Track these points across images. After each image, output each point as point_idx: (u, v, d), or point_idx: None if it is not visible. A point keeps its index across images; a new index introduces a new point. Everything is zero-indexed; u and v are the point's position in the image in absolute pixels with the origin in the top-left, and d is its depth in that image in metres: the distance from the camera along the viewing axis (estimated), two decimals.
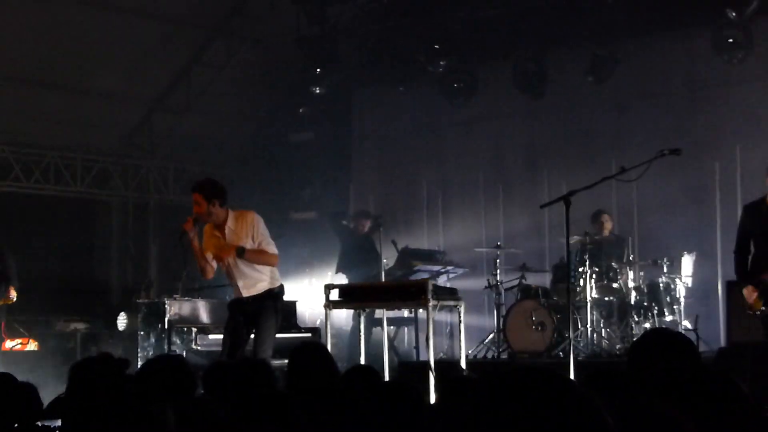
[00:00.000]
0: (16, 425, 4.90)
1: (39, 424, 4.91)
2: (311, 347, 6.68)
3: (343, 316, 13.93)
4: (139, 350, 11.28)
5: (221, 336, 9.53)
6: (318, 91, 16.18)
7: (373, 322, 12.62)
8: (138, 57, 15.96)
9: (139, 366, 6.79)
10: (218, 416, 4.45)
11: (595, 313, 12.37)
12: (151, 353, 10.91)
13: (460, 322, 9.43)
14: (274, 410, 4.03)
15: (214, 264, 9.32)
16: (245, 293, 9.27)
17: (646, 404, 3.55)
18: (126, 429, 3.49)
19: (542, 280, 13.59)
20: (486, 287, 13.29)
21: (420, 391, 4.72)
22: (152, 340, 11.23)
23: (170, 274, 15.35)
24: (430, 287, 8.88)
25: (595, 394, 2.20)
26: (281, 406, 4.05)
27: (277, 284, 9.32)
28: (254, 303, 9.22)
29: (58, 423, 4.80)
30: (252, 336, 9.17)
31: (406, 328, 14.73)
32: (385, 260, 13.30)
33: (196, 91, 16.80)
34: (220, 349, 9.46)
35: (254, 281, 9.26)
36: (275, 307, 9.23)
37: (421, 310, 12.23)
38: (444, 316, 13.53)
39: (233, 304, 9.45)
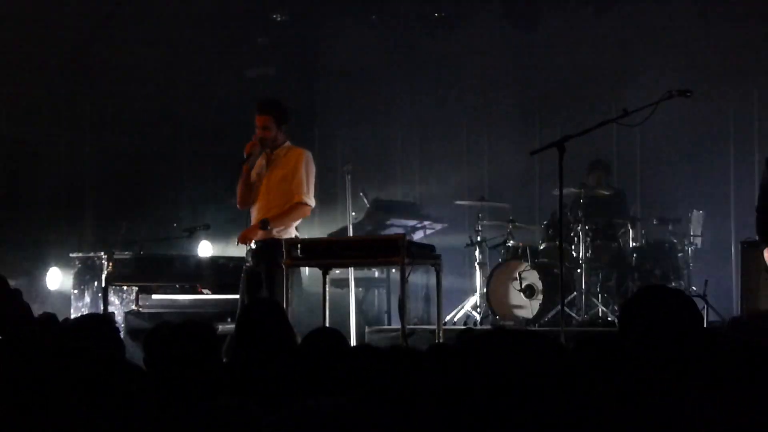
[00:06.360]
0: None
1: None
2: (264, 306, 6.68)
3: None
4: (72, 311, 11.24)
5: (166, 296, 9.52)
6: (279, 19, 16.00)
7: (339, 283, 12.62)
8: None
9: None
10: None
11: (590, 276, 12.42)
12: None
13: (438, 283, 9.44)
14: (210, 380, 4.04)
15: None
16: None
17: (638, 374, 3.61)
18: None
19: (531, 237, 13.54)
20: (467, 245, 13.39)
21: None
22: (87, 299, 11.20)
23: (109, 225, 15.24)
24: (405, 244, 8.89)
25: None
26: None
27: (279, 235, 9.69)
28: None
29: None
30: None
31: (376, 290, 14.74)
32: (353, 213, 13.26)
33: (139, 15, 16.57)
34: (164, 311, 9.48)
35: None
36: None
37: (393, 270, 12.29)
38: (419, 278, 13.60)
39: None
